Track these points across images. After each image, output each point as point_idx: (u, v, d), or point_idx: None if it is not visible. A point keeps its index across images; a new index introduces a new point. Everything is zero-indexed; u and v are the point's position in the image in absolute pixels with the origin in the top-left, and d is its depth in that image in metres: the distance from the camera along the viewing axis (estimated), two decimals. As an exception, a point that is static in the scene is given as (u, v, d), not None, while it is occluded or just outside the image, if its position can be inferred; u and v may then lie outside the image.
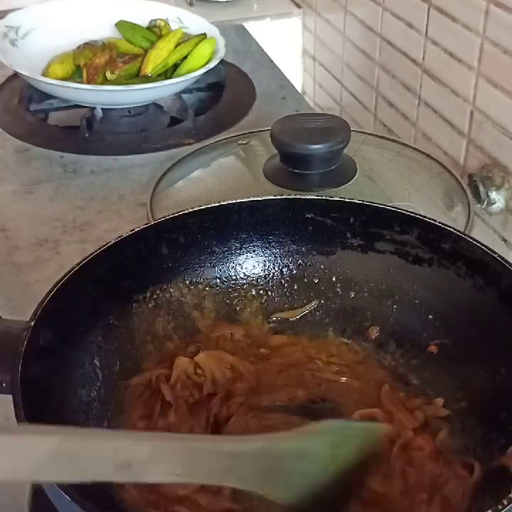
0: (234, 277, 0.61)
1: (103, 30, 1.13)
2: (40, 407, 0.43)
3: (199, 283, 0.60)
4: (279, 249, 0.62)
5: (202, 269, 0.60)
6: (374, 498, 0.47)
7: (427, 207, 0.75)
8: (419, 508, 0.46)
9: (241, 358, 0.57)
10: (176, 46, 1.06)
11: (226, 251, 0.61)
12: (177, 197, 0.82)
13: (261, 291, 0.62)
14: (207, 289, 0.60)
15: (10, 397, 0.43)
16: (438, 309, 0.57)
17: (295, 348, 0.58)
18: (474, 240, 0.54)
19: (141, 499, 0.47)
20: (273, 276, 0.62)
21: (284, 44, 1.46)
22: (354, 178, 0.79)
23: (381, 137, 0.92)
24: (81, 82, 1.01)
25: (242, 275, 0.61)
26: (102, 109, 1.03)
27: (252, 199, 0.60)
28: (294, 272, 0.62)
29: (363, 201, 0.59)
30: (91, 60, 1.03)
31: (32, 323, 0.47)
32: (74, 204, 0.88)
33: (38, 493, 0.56)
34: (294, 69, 1.48)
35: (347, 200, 0.59)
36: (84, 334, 0.53)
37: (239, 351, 0.57)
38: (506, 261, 0.52)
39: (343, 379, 0.56)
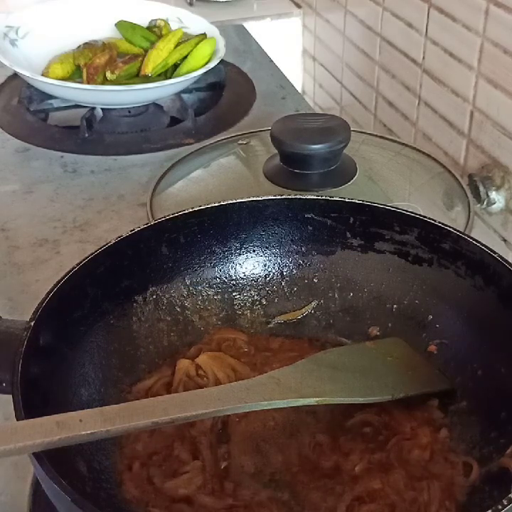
0: (234, 277, 0.61)
1: (103, 30, 1.13)
2: (40, 407, 0.43)
3: (199, 283, 0.60)
4: (279, 249, 0.62)
5: (202, 269, 0.60)
6: (371, 494, 0.47)
7: (427, 207, 0.75)
8: (416, 503, 0.46)
9: (242, 362, 0.57)
10: (176, 46, 1.06)
11: (226, 251, 0.61)
12: (177, 197, 0.82)
13: (261, 291, 0.62)
14: (207, 289, 0.60)
15: (10, 397, 0.43)
16: (438, 309, 0.57)
17: (295, 351, 0.58)
18: (474, 240, 0.54)
19: (141, 499, 0.47)
20: (273, 277, 0.62)
21: (284, 44, 1.46)
22: (354, 178, 0.79)
23: (381, 137, 0.92)
24: (81, 82, 1.01)
25: (242, 275, 0.61)
26: (102, 109, 1.03)
27: (252, 199, 0.60)
28: (294, 272, 0.62)
29: (363, 201, 0.59)
30: (91, 60, 1.03)
31: (32, 323, 0.47)
32: (74, 204, 0.88)
33: (38, 493, 0.56)
34: (294, 69, 1.48)
35: (347, 200, 0.59)
36: (84, 334, 0.53)
37: (241, 356, 0.57)
38: (506, 261, 0.52)
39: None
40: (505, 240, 0.95)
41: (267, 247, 0.62)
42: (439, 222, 0.56)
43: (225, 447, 0.50)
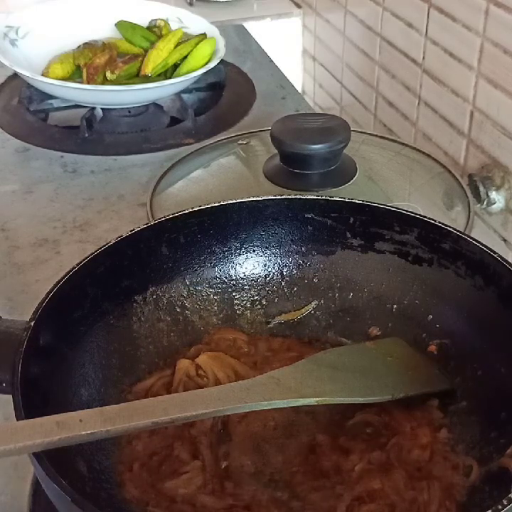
0: (234, 277, 0.61)
1: (103, 30, 1.13)
2: (40, 407, 0.43)
3: (199, 283, 0.60)
4: (279, 249, 0.62)
5: (202, 269, 0.60)
6: (371, 494, 0.47)
7: (427, 207, 0.75)
8: (416, 503, 0.46)
9: (242, 362, 0.57)
10: (176, 46, 1.06)
11: (226, 251, 0.61)
12: (177, 197, 0.82)
13: (261, 292, 0.62)
14: (207, 289, 0.60)
15: (10, 397, 0.43)
16: (438, 309, 0.57)
17: (295, 351, 0.58)
18: (474, 240, 0.54)
19: (141, 499, 0.47)
20: (273, 277, 0.62)
21: (284, 44, 1.46)
22: (354, 178, 0.79)
23: (381, 137, 0.92)
24: (81, 82, 1.01)
25: (242, 275, 0.61)
26: (102, 109, 1.03)
27: (252, 199, 0.60)
28: (294, 272, 0.62)
29: (363, 201, 0.59)
30: (91, 60, 1.03)
31: (32, 323, 0.47)
32: (74, 204, 0.88)
33: (38, 493, 0.56)
34: (294, 69, 1.48)
35: (347, 200, 0.59)
36: (84, 334, 0.53)
37: (241, 356, 0.57)
38: (506, 261, 0.52)
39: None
40: (505, 240, 0.95)
41: (267, 247, 0.62)
42: (439, 222, 0.56)
43: (225, 447, 0.50)
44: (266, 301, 0.62)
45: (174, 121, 1.07)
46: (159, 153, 0.97)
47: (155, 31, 1.11)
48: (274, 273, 0.62)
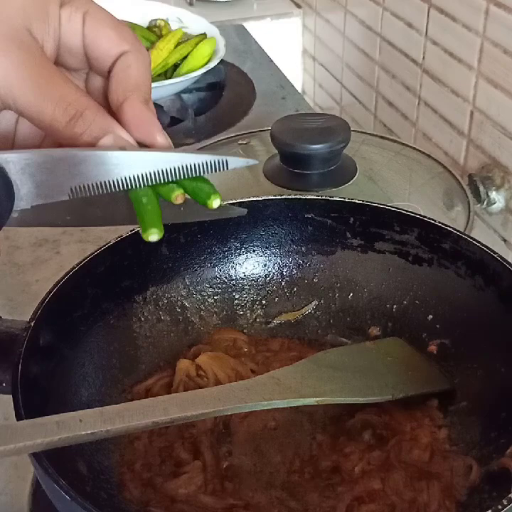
0: (234, 277, 0.61)
1: (103, 31, 1.12)
2: (40, 407, 0.43)
3: (199, 283, 0.60)
4: (279, 249, 0.62)
5: (202, 269, 0.60)
6: (370, 494, 0.47)
7: (427, 207, 0.75)
8: (415, 503, 0.46)
9: (242, 362, 0.57)
10: (176, 46, 1.07)
11: (226, 251, 0.61)
12: (177, 197, 0.82)
13: (261, 291, 0.62)
14: (207, 289, 0.60)
15: (10, 397, 0.43)
16: (438, 309, 0.57)
17: (295, 351, 0.58)
18: (474, 240, 0.54)
19: (141, 499, 0.47)
20: (273, 277, 0.62)
21: (284, 44, 1.47)
22: (354, 178, 0.79)
23: (381, 137, 0.92)
24: (81, 82, 1.01)
25: (242, 275, 0.61)
26: (102, 108, 1.03)
27: (252, 199, 0.60)
28: (294, 272, 0.62)
29: (363, 201, 0.59)
30: (91, 60, 1.03)
31: (32, 323, 0.47)
32: (74, 204, 0.88)
33: (38, 493, 0.56)
34: (294, 69, 1.48)
35: (347, 200, 0.59)
36: (84, 334, 0.53)
37: (241, 356, 0.57)
38: (506, 261, 0.52)
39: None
40: (505, 240, 0.95)
41: (267, 247, 0.62)
42: (439, 222, 0.56)
43: (226, 447, 0.50)
44: (266, 301, 0.62)
45: (174, 121, 1.07)
46: (159, 153, 0.97)
47: (155, 31, 1.11)
48: (274, 273, 0.62)
